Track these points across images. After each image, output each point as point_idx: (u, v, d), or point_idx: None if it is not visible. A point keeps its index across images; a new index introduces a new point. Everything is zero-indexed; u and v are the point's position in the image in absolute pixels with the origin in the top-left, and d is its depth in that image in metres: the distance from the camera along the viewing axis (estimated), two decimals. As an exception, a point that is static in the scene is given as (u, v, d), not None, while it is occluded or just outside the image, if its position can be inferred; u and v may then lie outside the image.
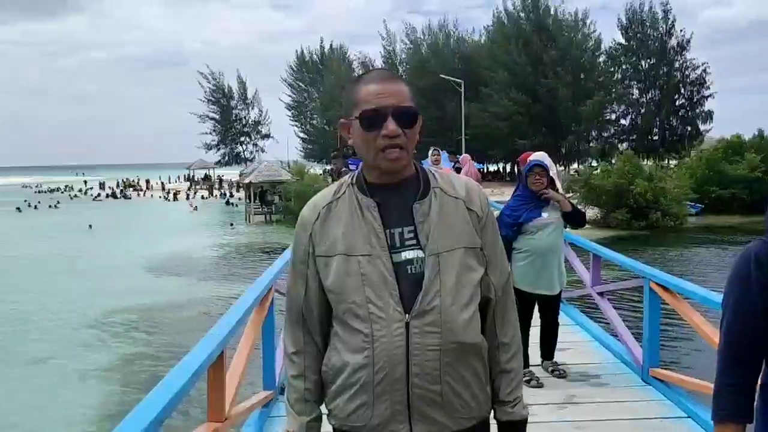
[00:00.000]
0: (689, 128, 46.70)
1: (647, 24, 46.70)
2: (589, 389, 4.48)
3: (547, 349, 4.79)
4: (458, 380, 1.51)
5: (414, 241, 1.51)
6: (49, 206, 46.57)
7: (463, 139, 33.02)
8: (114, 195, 58.26)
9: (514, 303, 1.69)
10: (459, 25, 69.63)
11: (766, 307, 1.46)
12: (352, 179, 1.61)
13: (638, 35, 46.72)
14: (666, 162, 42.92)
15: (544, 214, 4.51)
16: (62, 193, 64.58)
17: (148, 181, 69.17)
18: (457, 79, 34.85)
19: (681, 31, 46.41)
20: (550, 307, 4.73)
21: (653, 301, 4.56)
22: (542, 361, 4.78)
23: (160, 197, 54.19)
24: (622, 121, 48.48)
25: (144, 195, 58.54)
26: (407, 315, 1.47)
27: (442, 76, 38.74)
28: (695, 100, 46.78)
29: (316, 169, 49.03)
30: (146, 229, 31.39)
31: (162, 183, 67.17)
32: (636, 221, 25.67)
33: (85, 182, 74.21)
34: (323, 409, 1.63)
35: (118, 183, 67.94)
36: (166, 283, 17.91)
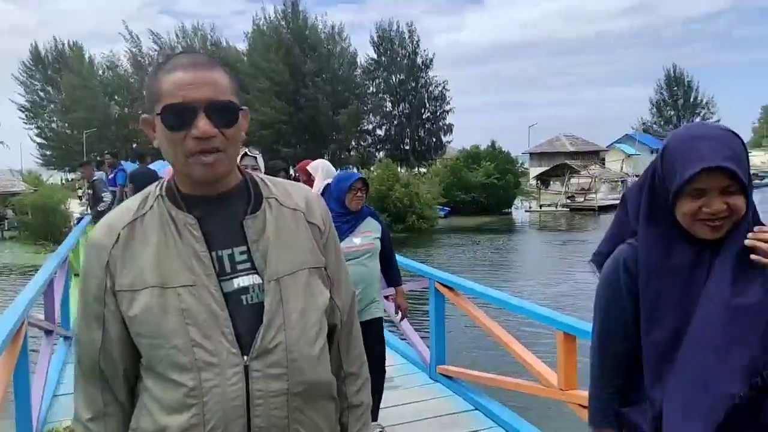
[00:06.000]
0: (434, 139, 51.58)
1: (396, 42, 50.63)
2: (383, 393, 4.51)
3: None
4: (309, 427, 1.27)
5: (248, 265, 1.25)
6: None
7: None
8: None
9: (360, 329, 1.51)
10: (216, 30, 67.62)
11: (636, 312, 1.42)
12: (161, 190, 1.28)
13: (388, 52, 50.41)
14: (417, 170, 46.83)
15: (356, 240, 3.62)
16: None
17: None
18: (218, 85, 33.75)
19: (425, 50, 51.23)
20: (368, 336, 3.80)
21: (438, 300, 4.77)
22: None
23: None
24: (379, 132, 51.77)
25: None
26: (245, 357, 1.20)
27: (202, 80, 37.13)
28: (438, 113, 51.84)
29: (57, 177, 43.74)
30: None
31: None
32: (396, 225, 27.56)
33: None
34: None
35: None
36: None
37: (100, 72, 56.63)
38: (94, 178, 9.55)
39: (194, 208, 1.25)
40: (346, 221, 3.60)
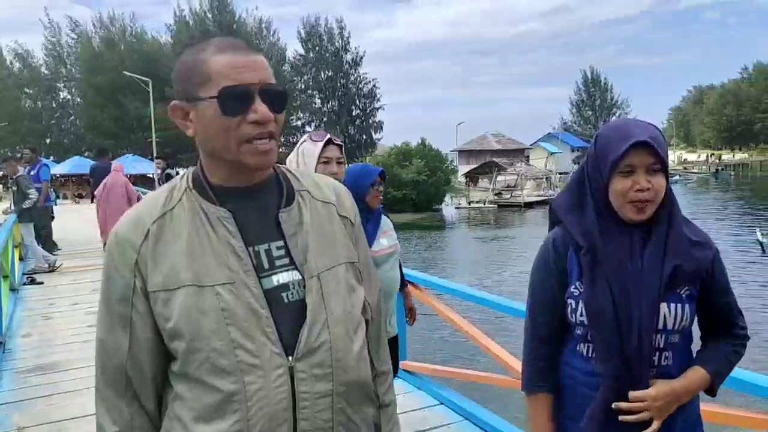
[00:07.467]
0: (365, 136, 51.81)
1: (324, 38, 50.43)
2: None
3: None
4: (351, 429, 1.23)
5: (287, 260, 1.19)
6: None
7: (154, 141, 30.96)
8: None
9: (386, 326, 1.47)
10: (136, 21, 65.07)
11: (561, 287, 1.56)
12: (188, 182, 1.21)
13: (317, 48, 50.16)
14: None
15: (383, 241, 3.01)
16: None
17: None
18: (143, 77, 32.32)
19: (355, 48, 51.30)
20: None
21: (399, 296, 4.75)
22: None
23: None
24: (308, 128, 51.43)
25: None
26: (289, 357, 1.14)
27: (126, 73, 35.59)
28: (368, 111, 52.10)
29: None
30: None
31: None
32: (329, 222, 27.44)
33: None
34: None
35: None
36: None
37: (8, 62, 53.45)
38: (18, 174, 9.00)
39: (226, 201, 1.18)
40: (368, 221, 2.91)
